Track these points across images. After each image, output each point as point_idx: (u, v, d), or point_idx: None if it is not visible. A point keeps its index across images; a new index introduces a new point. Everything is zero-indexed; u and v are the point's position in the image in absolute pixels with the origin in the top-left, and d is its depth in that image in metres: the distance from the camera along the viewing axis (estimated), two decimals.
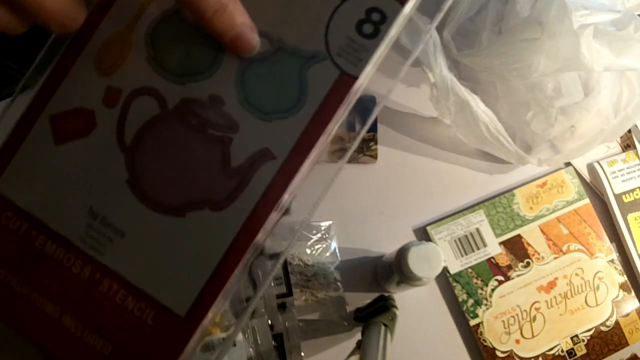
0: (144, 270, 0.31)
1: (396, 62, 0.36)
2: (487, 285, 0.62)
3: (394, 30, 0.31)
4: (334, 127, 0.32)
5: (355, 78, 0.31)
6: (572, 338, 0.62)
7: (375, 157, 0.64)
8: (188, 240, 0.31)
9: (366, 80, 0.32)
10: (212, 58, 0.31)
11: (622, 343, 0.63)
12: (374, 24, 0.31)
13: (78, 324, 0.31)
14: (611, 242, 0.66)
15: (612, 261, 0.65)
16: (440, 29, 0.60)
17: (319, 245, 0.61)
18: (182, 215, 0.31)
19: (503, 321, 0.62)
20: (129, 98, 0.31)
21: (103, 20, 0.32)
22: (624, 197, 0.66)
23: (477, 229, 0.63)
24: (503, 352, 0.61)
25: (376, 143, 0.64)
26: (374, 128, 0.64)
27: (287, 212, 0.38)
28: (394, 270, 0.54)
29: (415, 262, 0.51)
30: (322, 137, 0.31)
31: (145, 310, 0.31)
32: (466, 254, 0.63)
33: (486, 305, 0.62)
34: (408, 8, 0.31)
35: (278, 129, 0.31)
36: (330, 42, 0.31)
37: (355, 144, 0.35)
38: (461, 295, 0.62)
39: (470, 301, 0.61)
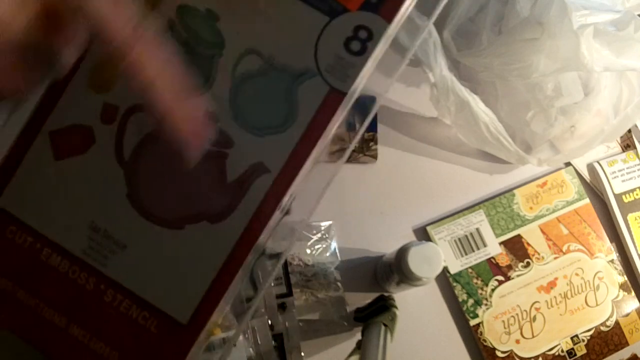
0: (146, 280, 0.32)
1: (395, 60, 0.36)
2: (487, 285, 0.62)
3: (381, 47, 0.32)
4: (326, 141, 0.33)
5: (344, 94, 0.32)
6: (572, 338, 0.62)
7: (375, 157, 0.64)
8: (187, 251, 0.32)
9: (355, 94, 0.32)
10: (206, 75, 0.32)
11: (622, 343, 0.63)
12: (361, 42, 0.31)
13: (85, 332, 0.32)
14: (611, 242, 0.66)
15: (612, 261, 0.65)
16: (440, 29, 0.60)
17: (319, 245, 0.61)
18: (181, 227, 0.32)
19: (503, 321, 0.61)
20: (126, 114, 0.32)
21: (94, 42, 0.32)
22: (624, 197, 0.66)
23: (477, 229, 0.63)
24: (503, 352, 0.61)
25: (376, 143, 0.64)
26: (374, 128, 0.64)
27: (287, 212, 0.38)
28: (394, 270, 0.54)
29: (415, 262, 0.51)
30: (313, 151, 0.32)
31: (149, 319, 0.32)
32: (466, 254, 0.63)
33: (486, 305, 0.62)
34: (394, 25, 0.32)
35: (271, 144, 0.32)
36: (320, 59, 0.32)
37: (354, 142, 0.35)
38: (461, 295, 0.62)
39: (470, 301, 0.61)
